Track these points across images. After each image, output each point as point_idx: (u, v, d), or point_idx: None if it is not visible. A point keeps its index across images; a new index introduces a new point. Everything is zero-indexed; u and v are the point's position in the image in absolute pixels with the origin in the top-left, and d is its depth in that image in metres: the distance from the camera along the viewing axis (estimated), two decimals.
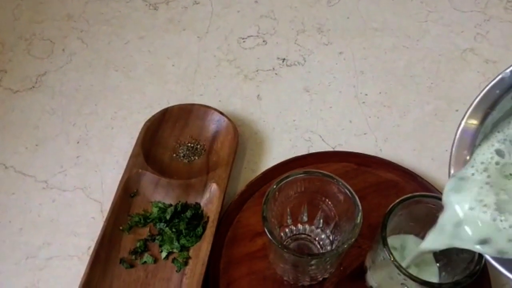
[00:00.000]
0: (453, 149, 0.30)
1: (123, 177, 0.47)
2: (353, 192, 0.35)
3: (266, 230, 0.35)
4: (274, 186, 0.36)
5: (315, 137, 0.53)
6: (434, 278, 0.37)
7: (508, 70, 0.28)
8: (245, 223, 0.46)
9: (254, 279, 0.42)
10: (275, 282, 0.42)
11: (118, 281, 0.43)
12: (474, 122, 0.30)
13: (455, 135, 0.30)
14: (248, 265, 0.43)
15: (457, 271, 0.34)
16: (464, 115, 0.30)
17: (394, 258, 0.33)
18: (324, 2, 0.67)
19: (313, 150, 0.52)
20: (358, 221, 0.34)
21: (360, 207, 0.34)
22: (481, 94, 0.29)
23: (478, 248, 0.28)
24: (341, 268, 0.42)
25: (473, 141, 0.29)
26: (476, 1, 0.66)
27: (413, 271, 0.33)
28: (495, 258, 0.27)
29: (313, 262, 0.36)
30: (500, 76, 0.29)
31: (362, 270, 0.42)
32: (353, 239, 0.33)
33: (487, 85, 0.29)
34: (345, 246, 0.34)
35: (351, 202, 0.35)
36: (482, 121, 0.29)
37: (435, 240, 0.32)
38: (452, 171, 0.30)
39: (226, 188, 0.46)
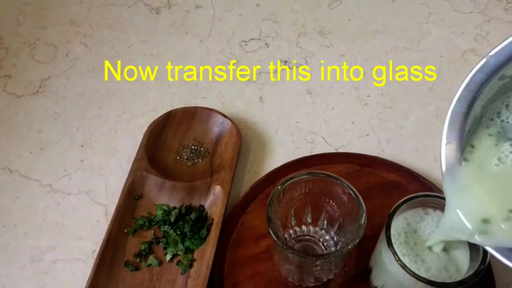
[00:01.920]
0: (443, 134, 0.30)
1: (127, 180, 0.47)
2: (357, 193, 0.35)
3: (271, 232, 0.35)
4: (279, 187, 0.36)
5: (318, 138, 0.53)
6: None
7: (491, 53, 0.28)
8: (249, 225, 0.46)
9: (259, 280, 0.43)
10: (280, 283, 0.42)
11: (123, 284, 0.43)
12: (463, 107, 0.30)
13: (445, 121, 0.30)
14: (253, 267, 0.43)
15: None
16: (452, 101, 0.30)
17: (398, 258, 0.33)
18: (325, 5, 0.68)
19: (316, 151, 0.52)
20: (362, 221, 0.34)
21: (364, 208, 0.34)
22: (467, 79, 0.29)
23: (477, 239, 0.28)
24: (346, 269, 0.42)
25: (463, 127, 0.29)
26: (476, 3, 0.66)
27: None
28: (498, 251, 0.28)
29: (318, 262, 0.37)
30: (484, 60, 0.29)
31: (367, 271, 0.42)
32: (357, 240, 0.34)
33: (471, 70, 0.29)
34: (350, 246, 0.34)
35: (355, 203, 0.35)
36: (471, 105, 0.29)
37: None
38: (443, 157, 0.30)
39: (230, 190, 0.46)
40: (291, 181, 0.36)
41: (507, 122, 0.30)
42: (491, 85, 0.29)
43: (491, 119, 0.31)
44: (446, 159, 0.30)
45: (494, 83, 0.29)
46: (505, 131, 0.30)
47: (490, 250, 0.28)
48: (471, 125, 0.30)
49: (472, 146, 0.30)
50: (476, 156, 0.30)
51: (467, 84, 0.29)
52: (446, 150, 0.30)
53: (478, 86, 0.29)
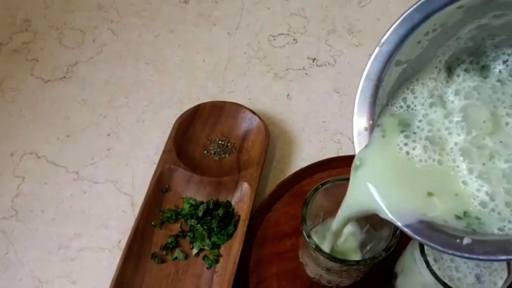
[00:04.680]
0: (354, 120, 0.31)
1: (155, 172, 0.47)
2: None
3: (304, 233, 0.35)
4: (319, 186, 0.36)
5: (345, 139, 0.53)
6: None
7: (382, 40, 0.29)
8: (274, 223, 0.46)
9: (283, 279, 0.43)
10: (304, 282, 0.43)
11: (149, 276, 0.43)
12: (367, 96, 0.29)
13: (353, 110, 0.30)
14: (278, 265, 0.44)
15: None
16: (356, 93, 0.30)
17: (430, 266, 0.33)
18: (355, 2, 0.67)
19: (342, 152, 0.52)
20: (398, 233, 0.34)
21: None
22: (366, 70, 0.29)
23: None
24: (371, 273, 0.42)
25: (371, 115, 0.30)
26: None
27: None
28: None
29: (346, 268, 0.37)
30: (377, 48, 0.29)
31: (391, 275, 0.42)
32: (391, 249, 0.34)
33: (369, 59, 0.29)
34: (382, 255, 0.34)
35: None
36: (375, 94, 0.29)
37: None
38: (355, 143, 0.30)
39: (257, 187, 0.46)
40: (329, 184, 0.36)
41: (412, 108, 0.30)
42: (390, 72, 0.29)
43: (401, 107, 0.31)
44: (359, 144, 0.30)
45: (392, 70, 0.29)
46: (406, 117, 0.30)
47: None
48: (380, 113, 0.30)
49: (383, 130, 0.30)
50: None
51: (367, 74, 0.29)
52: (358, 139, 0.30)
53: (377, 74, 0.29)
